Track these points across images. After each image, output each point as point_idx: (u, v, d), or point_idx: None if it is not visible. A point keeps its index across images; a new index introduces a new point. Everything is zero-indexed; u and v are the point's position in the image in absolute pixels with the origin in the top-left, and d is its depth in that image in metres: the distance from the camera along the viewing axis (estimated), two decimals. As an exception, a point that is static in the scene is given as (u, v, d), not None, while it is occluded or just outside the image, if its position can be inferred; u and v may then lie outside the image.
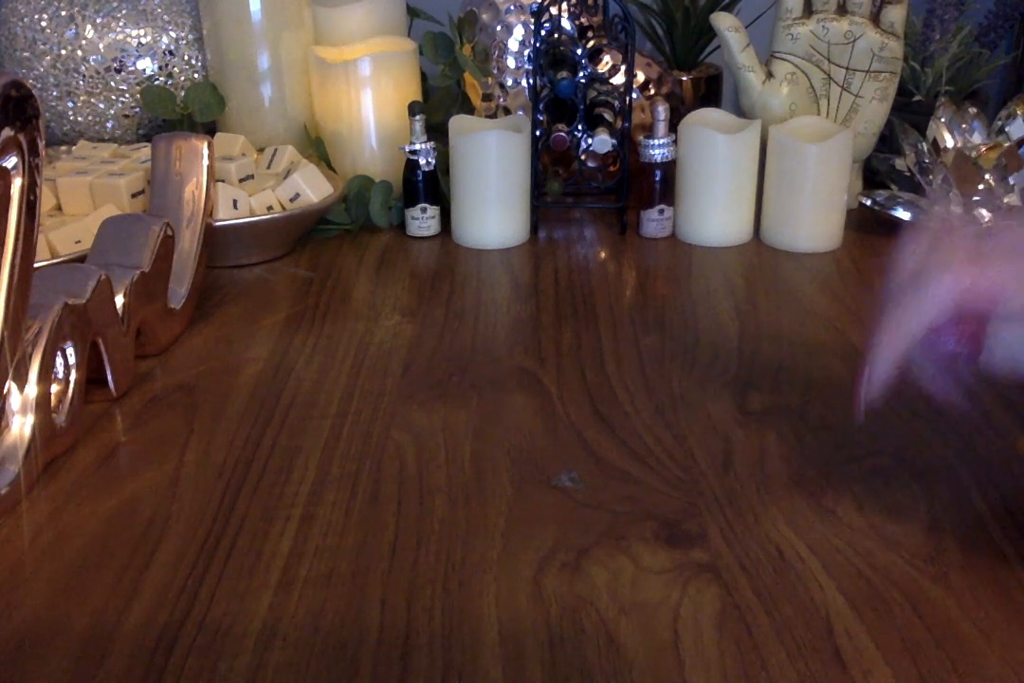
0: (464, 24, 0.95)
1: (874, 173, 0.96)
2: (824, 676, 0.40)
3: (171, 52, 0.98)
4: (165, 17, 0.98)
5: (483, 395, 0.63)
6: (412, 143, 0.89)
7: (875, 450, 0.57)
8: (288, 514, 0.51)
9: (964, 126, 0.91)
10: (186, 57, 0.99)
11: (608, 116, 0.92)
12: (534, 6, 0.88)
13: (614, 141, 0.89)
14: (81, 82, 0.97)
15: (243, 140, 0.90)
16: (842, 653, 0.42)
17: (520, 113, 0.98)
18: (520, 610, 0.44)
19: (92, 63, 0.97)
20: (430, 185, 0.90)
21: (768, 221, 0.88)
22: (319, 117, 0.97)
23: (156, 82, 0.98)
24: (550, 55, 0.90)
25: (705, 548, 0.48)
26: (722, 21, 0.90)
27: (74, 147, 0.93)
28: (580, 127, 0.90)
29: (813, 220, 0.86)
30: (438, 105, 0.99)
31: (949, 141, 0.91)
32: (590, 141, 0.89)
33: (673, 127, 0.88)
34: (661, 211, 0.90)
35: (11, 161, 0.46)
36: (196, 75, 0.99)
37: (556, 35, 0.91)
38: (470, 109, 0.98)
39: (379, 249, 0.89)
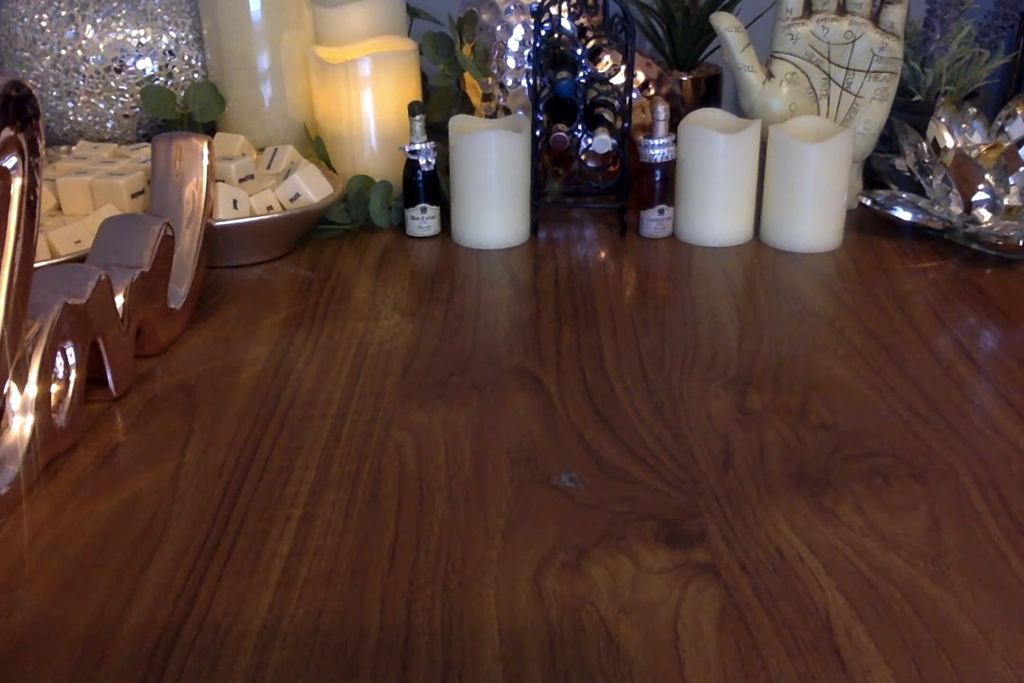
0: (464, 24, 0.95)
1: (874, 173, 0.96)
2: (824, 676, 0.41)
3: (171, 52, 0.98)
4: (165, 17, 0.98)
5: (483, 395, 0.63)
6: (412, 143, 0.89)
7: (875, 450, 0.57)
8: (288, 514, 0.51)
9: (964, 126, 0.91)
10: (186, 57, 0.99)
11: (608, 116, 0.92)
12: (534, 6, 0.88)
13: (614, 141, 0.89)
14: (81, 82, 0.97)
15: (243, 140, 0.90)
16: (842, 653, 0.42)
17: (520, 113, 0.98)
18: (520, 610, 0.44)
19: (92, 63, 0.97)
20: (430, 185, 0.90)
21: (768, 221, 0.88)
22: (319, 117, 0.97)
23: (156, 82, 0.98)
24: (550, 55, 0.90)
25: (705, 548, 0.48)
26: (722, 21, 0.90)
27: (74, 147, 0.93)
28: (580, 127, 0.90)
29: (813, 220, 0.86)
30: (438, 105, 0.99)
31: (949, 141, 0.91)
32: (590, 141, 0.89)
33: (673, 127, 0.88)
34: (661, 211, 0.90)
35: (11, 161, 0.46)
36: (196, 75, 0.99)
37: (556, 35, 0.91)
38: (470, 109, 0.98)
39: (379, 249, 0.89)
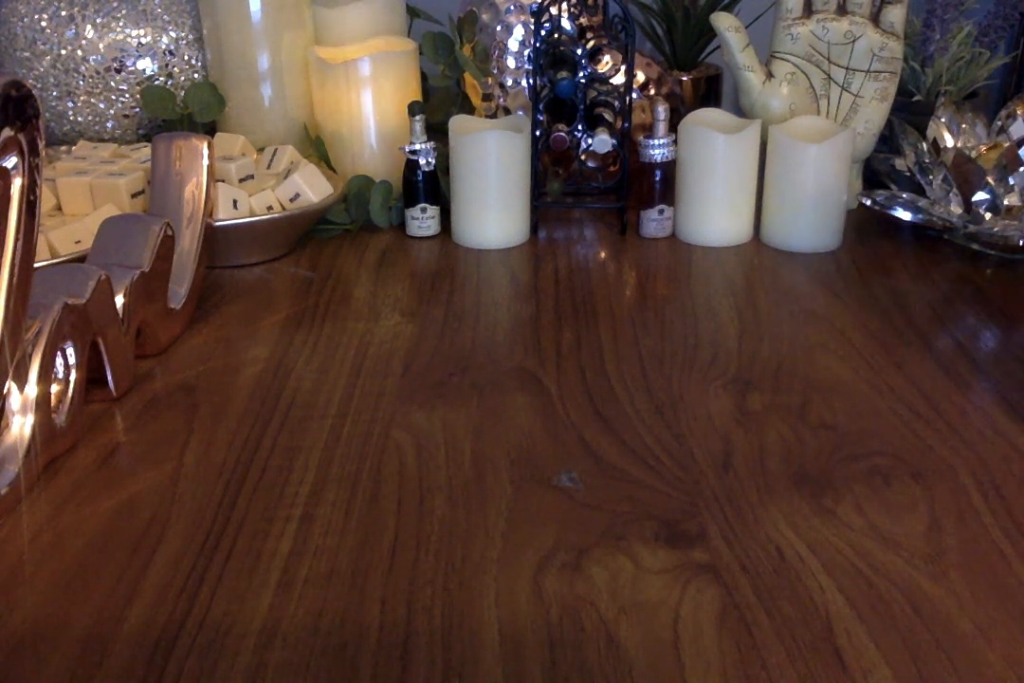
0: (464, 24, 0.95)
1: (874, 173, 0.96)
2: (824, 676, 0.41)
3: (171, 52, 0.98)
4: (165, 17, 0.98)
5: (483, 395, 0.63)
6: (412, 143, 0.89)
7: (875, 450, 0.57)
8: (288, 514, 0.51)
9: (964, 126, 0.91)
10: (186, 57, 0.99)
11: (608, 116, 0.92)
12: (534, 6, 0.88)
13: (614, 141, 0.89)
14: (81, 82, 0.97)
15: (243, 140, 0.90)
16: (842, 653, 0.42)
17: (520, 113, 0.98)
18: (520, 610, 0.44)
19: (92, 63, 0.97)
20: (430, 185, 0.90)
21: (768, 221, 0.88)
22: (319, 117, 0.97)
23: (156, 82, 0.98)
24: (550, 55, 0.90)
25: (705, 548, 0.48)
26: (722, 21, 0.90)
27: (74, 147, 0.93)
28: (580, 127, 0.90)
29: (813, 220, 0.86)
30: (438, 105, 0.99)
31: (949, 141, 0.91)
32: (590, 141, 0.89)
33: (673, 127, 0.88)
34: (661, 211, 0.90)
35: (11, 161, 0.46)
36: (196, 75, 0.99)
37: (556, 35, 0.91)
38: (470, 109, 0.98)
39: (379, 249, 0.89)
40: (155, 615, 0.44)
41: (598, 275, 0.83)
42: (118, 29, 0.96)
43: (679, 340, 0.71)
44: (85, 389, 0.59)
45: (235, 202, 0.81)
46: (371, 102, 0.93)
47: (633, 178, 0.92)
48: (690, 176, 0.87)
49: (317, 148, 0.96)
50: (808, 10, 0.89)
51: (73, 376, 0.57)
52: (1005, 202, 0.84)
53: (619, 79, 0.90)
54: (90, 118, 0.99)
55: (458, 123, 0.88)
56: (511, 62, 0.98)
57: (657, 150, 0.88)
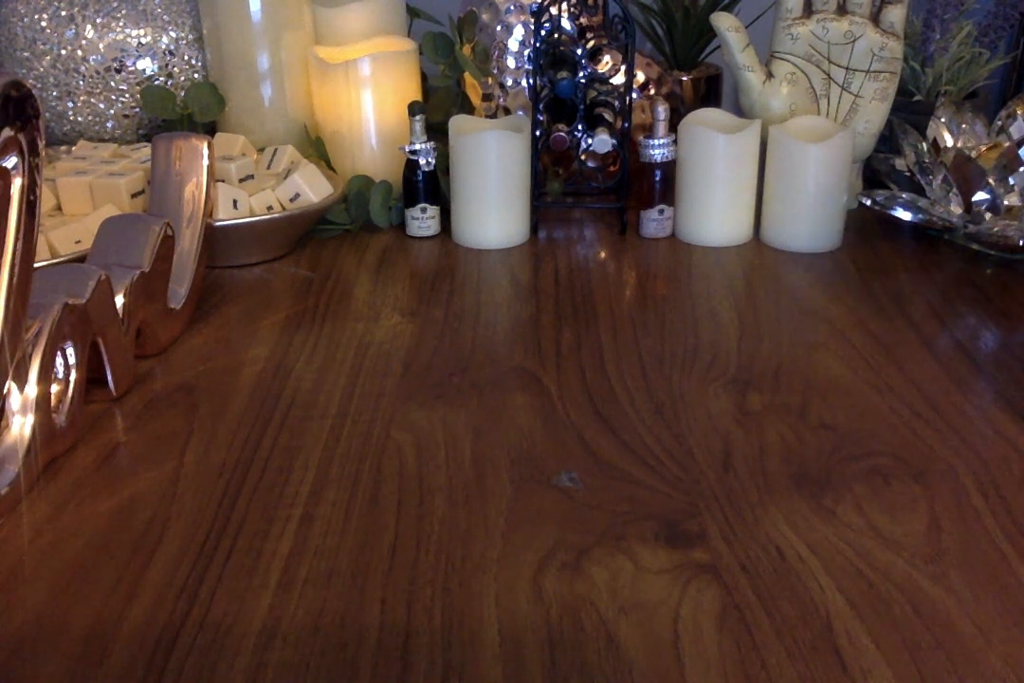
0: (464, 24, 0.95)
1: (874, 173, 0.96)
2: (824, 676, 0.41)
3: (171, 52, 0.98)
4: (165, 17, 0.98)
5: (483, 395, 0.63)
6: (412, 143, 0.89)
7: (875, 450, 0.57)
8: (288, 514, 0.52)
9: (964, 126, 0.91)
10: (186, 57, 0.99)
11: (608, 116, 0.92)
12: (534, 6, 0.88)
13: (614, 141, 0.89)
14: (81, 82, 0.97)
15: (243, 140, 0.90)
16: (842, 653, 0.42)
17: (520, 113, 0.98)
18: (520, 610, 0.44)
19: (92, 63, 0.97)
20: (430, 185, 0.90)
21: (768, 221, 0.88)
22: (319, 117, 0.97)
23: (156, 82, 0.98)
24: (550, 55, 0.90)
25: (705, 548, 0.48)
26: (722, 21, 0.90)
27: (74, 147, 0.93)
28: (580, 127, 0.90)
29: (813, 220, 0.86)
30: (438, 105, 0.99)
31: (949, 141, 0.91)
32: (590, 141, 0.89)
33: (673, 127, 0.88)
34: (661, 211, 0.90)
35: (11, 161, 0.46)
36: (196, 75, 0.99)
37: (556, 35, 0.91)
38: (470, 109, 0.98)
39: (379, 249, 0.89)
40: (155, 615, 0.44)
41: (598, 275, 0.83)
42: (118, 29, 0.96)
43: (679, 340, 0.71)
44: (85, 389, 0.59)
45: (235, 202, 0.81)
46: (371, 102, 0.93)
47: (633, 178, 0.92)
48: (690, 176, 0.87)
49: (317, 148, 0.96)
50: (808, 10, 0.89)
51: (73, 376, 0.57)
52: (1005, 202, 0.84)
53: (619, 79, 0.90)
54: (90, 118, 0.99)
55: (458, 123, 0.88)
56: (511, 62, 0.98)
57: (657, 150, 0.88)
